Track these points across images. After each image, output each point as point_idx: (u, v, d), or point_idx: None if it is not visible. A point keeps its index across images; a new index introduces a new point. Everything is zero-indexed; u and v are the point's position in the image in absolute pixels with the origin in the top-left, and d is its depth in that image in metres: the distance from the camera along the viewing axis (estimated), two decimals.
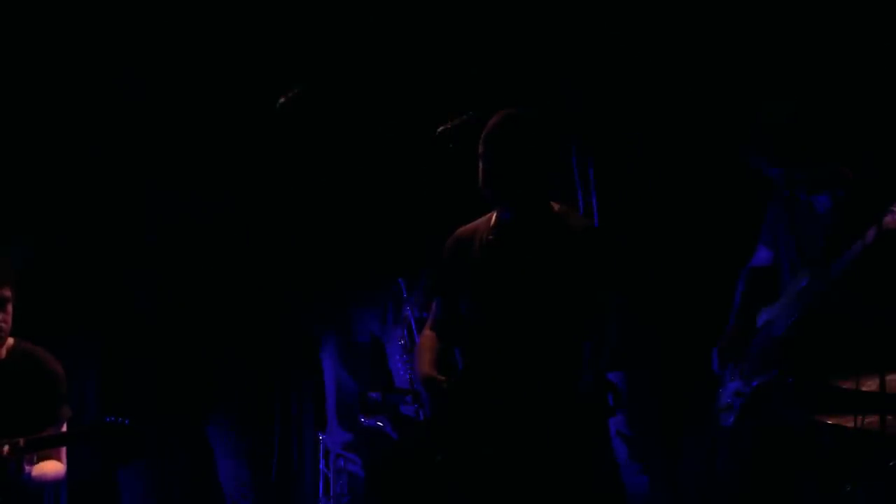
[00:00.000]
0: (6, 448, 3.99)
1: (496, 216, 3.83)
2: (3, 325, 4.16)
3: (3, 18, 5.41)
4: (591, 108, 5.05)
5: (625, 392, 4.74)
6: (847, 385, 3.59)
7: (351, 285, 5.94)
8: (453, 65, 5.33)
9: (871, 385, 3.43)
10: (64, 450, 4.27)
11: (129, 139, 5.75)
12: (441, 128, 4.41)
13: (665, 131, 5.04)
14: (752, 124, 4.02)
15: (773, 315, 4.08)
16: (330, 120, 5.58)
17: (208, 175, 5.84)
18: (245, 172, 5.81)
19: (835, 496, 3.65)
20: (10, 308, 4.18)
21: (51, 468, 4.19)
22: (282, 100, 4.78)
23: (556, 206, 3.80)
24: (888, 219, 3.67)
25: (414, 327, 5.37)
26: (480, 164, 3.74)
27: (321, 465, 5.85)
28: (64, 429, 4.28)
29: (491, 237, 3.80)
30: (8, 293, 4.17)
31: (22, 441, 4.01)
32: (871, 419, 3.41)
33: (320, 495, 5.81)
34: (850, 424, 3.50)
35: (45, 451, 4.16)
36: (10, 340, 4.26)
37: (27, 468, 4.05)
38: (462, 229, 3.93)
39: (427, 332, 3.95)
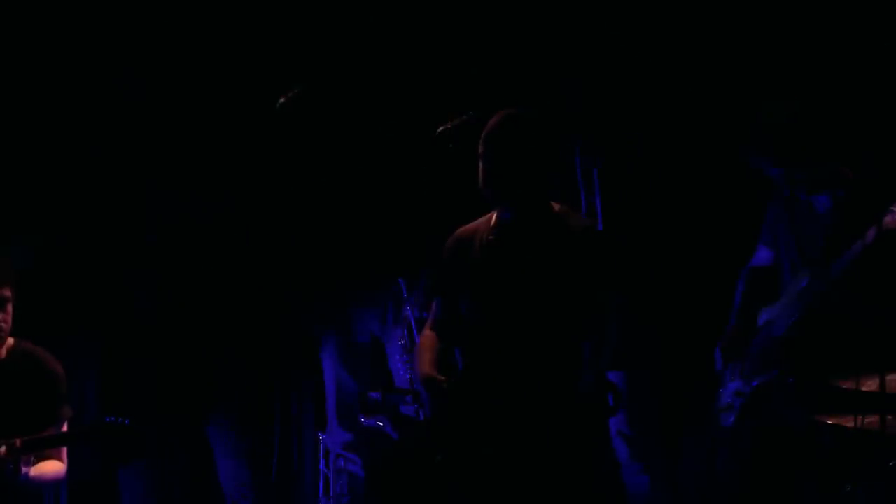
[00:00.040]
0: (3, 449, 3.98)
1: (496, 216, 3.83)
2: (3, 325, 4.16)
3: (3, 18, 5.41)
4: (592, 108, 5.05)
5: (625, 392, 4.74)
6: (847, 385, 3.59)
7: (351, 285, 5.94)
8: (453, 65, 5.33)
9: (871, 385, 3.43)
10: (64, 450, 4.26)
11: (129, 139, 5.75)
12: (441, 128, 4.42)
13: (665, 131, 5.04)
14: (752, 124, 4.02)
15: (773, 315, 4.08)
16: (330, 120, 5.57)
17: (208, 175, 5.84)
18: (245, 172, 5.81)
19: (835, 496, 3.65)
20: (10, 308, 4.18)
21: (51, 468, 4.18)
22: (282, 100, 4.78)
23: (556, 206, 3.80)
24: (888, 219, 3.68)
25: (414, 327, 5.37)
26: (480, 164, 3.73)
27: (321, 465, 5.84)
28: (64, 429, 4.28)
29: (491, 237, 3.80)
30: (8, 293, 4.16)
31: (18, 441, 4.00)
32: (871, 419, 3.41)
33: (320, 495, 5.81)
34: (850, 424, 3.50)
35: (46, 451, 4.16)
36: (10, 340, 4.25)
37: (24, 469, 4.04)
38: (462, 229, 3.92)
39: (427, 332, 3.95)
